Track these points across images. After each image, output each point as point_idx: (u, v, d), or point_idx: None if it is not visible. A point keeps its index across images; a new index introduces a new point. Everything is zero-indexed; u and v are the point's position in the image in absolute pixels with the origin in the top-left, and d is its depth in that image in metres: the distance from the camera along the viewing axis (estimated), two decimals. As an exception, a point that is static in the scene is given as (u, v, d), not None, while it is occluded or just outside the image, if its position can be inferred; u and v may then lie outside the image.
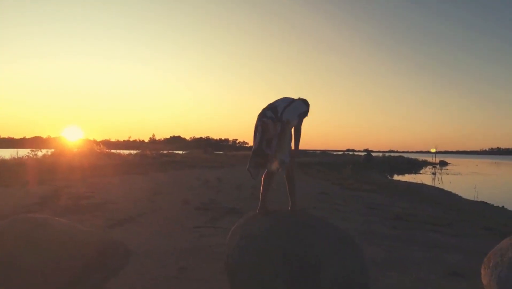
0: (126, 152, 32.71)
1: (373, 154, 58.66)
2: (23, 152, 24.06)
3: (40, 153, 24.52)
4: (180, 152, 43.39)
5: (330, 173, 24.01)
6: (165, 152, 38.25)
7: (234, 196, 11.34)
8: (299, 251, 3.05)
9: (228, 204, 9.45)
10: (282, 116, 3.51)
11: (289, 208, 3.88)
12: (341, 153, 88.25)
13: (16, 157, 22.50)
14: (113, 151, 30.57)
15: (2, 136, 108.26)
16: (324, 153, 79.16)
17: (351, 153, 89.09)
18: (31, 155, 23.87)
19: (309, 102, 3.89)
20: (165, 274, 4.36)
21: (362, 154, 65.35)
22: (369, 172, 30.33)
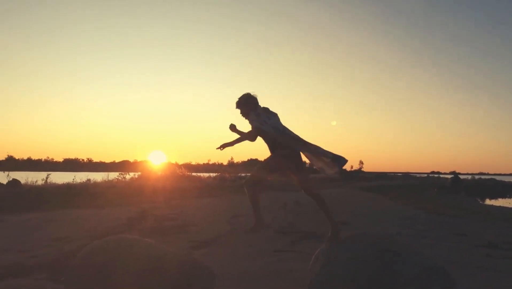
0: (206, 174, 33.78)
1: (461, 176, 54.94)
2: (112, 175, 25.84)
3: (128, 176, 26.14)
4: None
5: (413, 197, 22.85)
6: (243, 174, 38.91)
7: (313, 219, 11.17)
8: (385, 279, 2.91)
9: (308, 228, 9.33)
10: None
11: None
12: (425, 175, 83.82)
13: (106, 180, 24.22)
14: (193, 173, 31.70)
15: (94, 161, 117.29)
16: (406, 175, 75.70)
17: (436, 175, 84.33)
18: (120, 178, 25.54)
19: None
20: (246, 298, 4.37)
21: (449, 176, 61.59)
22: (456, 195, 28.43)
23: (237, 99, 4.52)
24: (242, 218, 10.80)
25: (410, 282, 2.87)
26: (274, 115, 4.62)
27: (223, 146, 4.46)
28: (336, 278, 3.03)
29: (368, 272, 2.95)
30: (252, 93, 4.51)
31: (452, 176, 52.82)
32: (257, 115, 4.34)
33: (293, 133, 4.56)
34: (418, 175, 78.98)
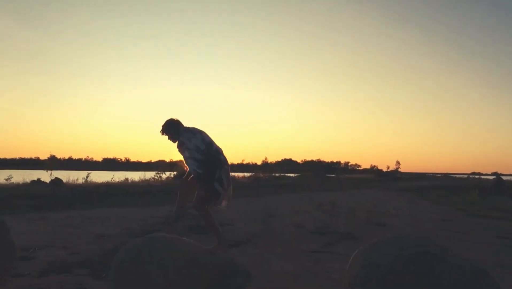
0: (240, 174, 34.00)
1: (504, 177, 52.80)
2: (149, 175, 26.41)
3: (164, 176, 26.64)
4: (292, 175, 43.71)
5: (453, 198, 22.14)
6: (277, 174, 38.91)
7: (349, 220, 11.04)
8: (428, 282, 2.83)
9: (344, 229, 9.22)
10: None
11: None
12: (466, 176, 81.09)
13: (143, 179, 24.77)
14: (228, 173, 31.81)
15: (132, 160, 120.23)
16: (446, 176, 73.50)
17: (477, 176, 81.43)
18: (156, 178, 26.07)
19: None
20: (283, 298, 4.36)
21: (490, 177, 59.28)
22: (499, 197, 27.35)
23: (162, 126, 4.66)
24: (277, 218, 10.79)
25: (452, 286, 2.78)
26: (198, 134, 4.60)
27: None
28: (375, 280, 2.97)
29: (409, 275, 2.87)
30: (174, 119, 4.64)
31: (494, 177, 50.86)
32: (181, 142, 4.49)
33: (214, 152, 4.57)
34: (458, 176, 76.54)
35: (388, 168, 75.36)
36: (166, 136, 4.58)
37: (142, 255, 3.59)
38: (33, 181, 17.41)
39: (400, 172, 70.79)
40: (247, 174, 34.04)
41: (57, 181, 17.08)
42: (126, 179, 23.93)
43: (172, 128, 4.52)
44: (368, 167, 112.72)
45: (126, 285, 3.46)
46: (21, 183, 17.01)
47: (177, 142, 4.52)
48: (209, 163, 4.37)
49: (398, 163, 74.24)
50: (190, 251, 3.53)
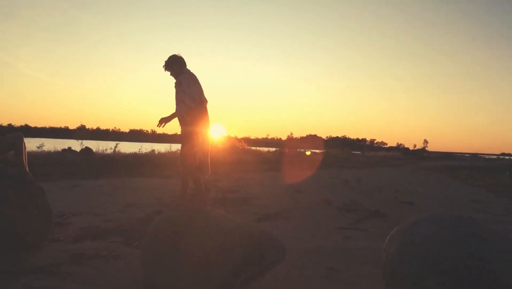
0: (265, 149, 33.92)
1: (536, 159, 51.20)
2: (175, 147, 26.59)
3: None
4: (317, 151, 43.43)
5: (483, 179, 21.60)
6: (302, 150, 38.69)
7: (376, 198, 10.91)
8: (471, 265, 2.73)
9: (371, 206, 9.11)
10: None
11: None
12: (495, 157, 79.06)
13: (169, 151, 25.00)
14: (253, 147, 31.89)
15: (157, 132, 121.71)
16: (475, 156, 71.80)
17: (507, 157, 79.30)
18: (183, 150, 26.22)
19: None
20: (315, 274, 4.34)
21: (521, 158, 57.63)
22: (531, 179, 26.56)
23: (166, 61, 4.33)
24: (305, 194, 10.75)
25: (498, 270, 2.68)
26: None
27: (161, 121, 4.37)
28: (415, 259, 2.89)
29: (452, 256, 2.78)
30: (178, 55, 4.34)
31: (526, 158, 49.35)
32: (179, 82, 4.21)
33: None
34: (487, 156, 74.70)
35: (415, 146, 74.19)
36: (169, 73, 4.34)
37: (177, 225, 3.60)
38: (64, 150, 17.78)
39: (427, 151, 69.54)
40: (271, 149, 33.96)
41: (87, 150, 17.39)
42: (153, 150, 24.19)
43: (176, 64, 4.26)
44: (394, 145, 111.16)
45: (162, 255, 3.49)
46: (52, 151, 17.40)
47: (176, 80, 4.30)
48: (198, 113, 4.15)
49: (425, 141, 73.05)
50: (226, 222, 3.51)
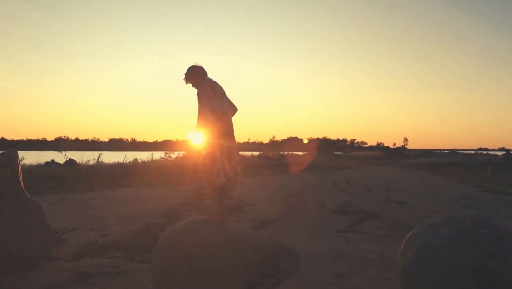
0: (248, 153, 33.83)
1: (512, 153, 52.39)
2: (157, 155, 26.27)
3: (173, 156, 26.49)
4: (300, 153, 43.59)
5: (465, 174, 22.00)
6: (285, 152, 38.78)
7: (368, 198, 10.97)
8: (493, 266, 2.74)
9: (365, 208, 9.15)
10: None
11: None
12: (473, 152, 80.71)
13: (153, 160, 24.67)
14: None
15: (138, 140, 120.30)
16: (453, 152, 73.21)
17: (484, 152, 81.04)
18: (166, 158, 25.97)
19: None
20: (325, 280, 4.30)
21: (498, 152, 59.00)
22: (510, 173, 27.19)
23: (186, 73, 4.06)
24: (297, 198, 10.74)
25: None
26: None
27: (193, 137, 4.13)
28: (436, 263, 2.89)
29: (473, 258, 2.78)
30: (198, 65, 4.10)
31: (504, 152, 50.50)
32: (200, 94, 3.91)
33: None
34: (465, 152, 76.23)
35: (395, 144, 75.08)
36: (190, 85, 4.08)
37: (187, 239, 3.51)
38: (47, 162, 17.40)
39: (407, 149, 70.57)
40: (255, 153, 33.91)
41: (71, 162, 17.07)
42: (136, 159, 23.84)
43: (197, 76, 3.93)
44: (374, 144, 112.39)
45: (173, 271, 3.40)
46: (34, 164, 17.00)
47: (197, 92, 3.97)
48: (219, 127, 3.91)
49: (405, 139, 73.89)
50: (239, 234, 3.45)
